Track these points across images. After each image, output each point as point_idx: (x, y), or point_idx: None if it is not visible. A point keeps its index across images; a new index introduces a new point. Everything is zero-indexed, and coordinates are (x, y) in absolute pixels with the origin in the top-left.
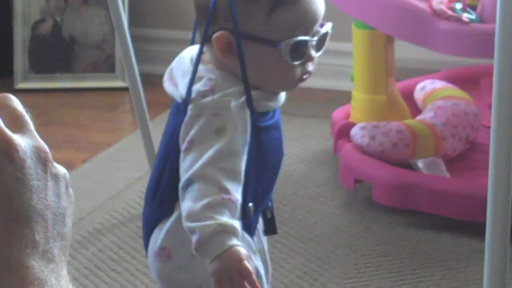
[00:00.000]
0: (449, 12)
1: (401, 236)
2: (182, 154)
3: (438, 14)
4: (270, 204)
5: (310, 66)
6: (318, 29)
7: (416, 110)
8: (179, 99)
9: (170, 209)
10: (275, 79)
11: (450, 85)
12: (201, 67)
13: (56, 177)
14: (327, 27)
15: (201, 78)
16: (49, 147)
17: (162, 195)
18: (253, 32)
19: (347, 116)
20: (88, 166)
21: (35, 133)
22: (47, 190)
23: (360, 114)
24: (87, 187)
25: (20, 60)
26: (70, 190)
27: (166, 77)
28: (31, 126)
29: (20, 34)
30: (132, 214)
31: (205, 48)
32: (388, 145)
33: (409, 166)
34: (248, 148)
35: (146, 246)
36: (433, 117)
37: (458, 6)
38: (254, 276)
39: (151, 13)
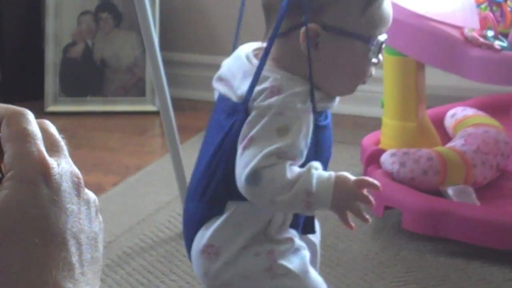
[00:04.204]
0: (481, 39)
1: (430, 263)
2: (239, 152)
3: (469, 41)
4: None
5: (373, 70)
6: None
7: (446, 137)
8: (235, 99)
9: (221, 208)
10: (347, 77)
11: (480, 113)
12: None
13: (87, 202)
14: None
15: (266, 78)
16: (79, 170)
17: (213, 194)
18: (347, 28)
19: (377, 142)
20: (118, 189)
21: (70, 159)
22: (81, 214)
23: (390, 141)
24: (116, 211)
25: (51, 83)
26: (100, 216)
27: (216, 76)
28: (66, 151)
29: (51, 57)
30: (161, 238)
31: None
32: (418, 172)
33: (439, 193)
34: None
35: (188, 244)
36: (464, 144)
37: (490, 33)
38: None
39: (182, 37)
